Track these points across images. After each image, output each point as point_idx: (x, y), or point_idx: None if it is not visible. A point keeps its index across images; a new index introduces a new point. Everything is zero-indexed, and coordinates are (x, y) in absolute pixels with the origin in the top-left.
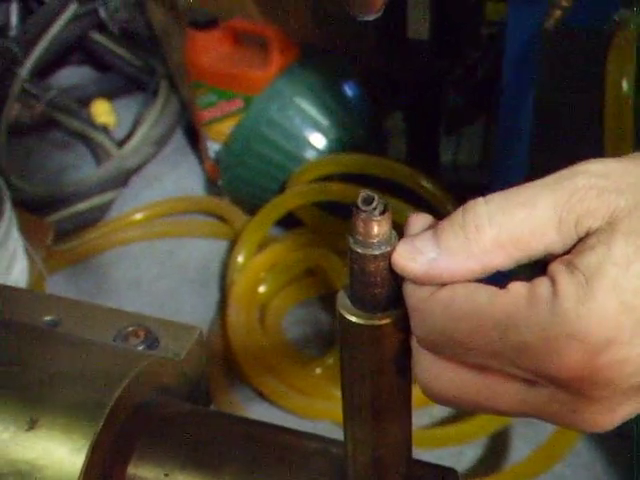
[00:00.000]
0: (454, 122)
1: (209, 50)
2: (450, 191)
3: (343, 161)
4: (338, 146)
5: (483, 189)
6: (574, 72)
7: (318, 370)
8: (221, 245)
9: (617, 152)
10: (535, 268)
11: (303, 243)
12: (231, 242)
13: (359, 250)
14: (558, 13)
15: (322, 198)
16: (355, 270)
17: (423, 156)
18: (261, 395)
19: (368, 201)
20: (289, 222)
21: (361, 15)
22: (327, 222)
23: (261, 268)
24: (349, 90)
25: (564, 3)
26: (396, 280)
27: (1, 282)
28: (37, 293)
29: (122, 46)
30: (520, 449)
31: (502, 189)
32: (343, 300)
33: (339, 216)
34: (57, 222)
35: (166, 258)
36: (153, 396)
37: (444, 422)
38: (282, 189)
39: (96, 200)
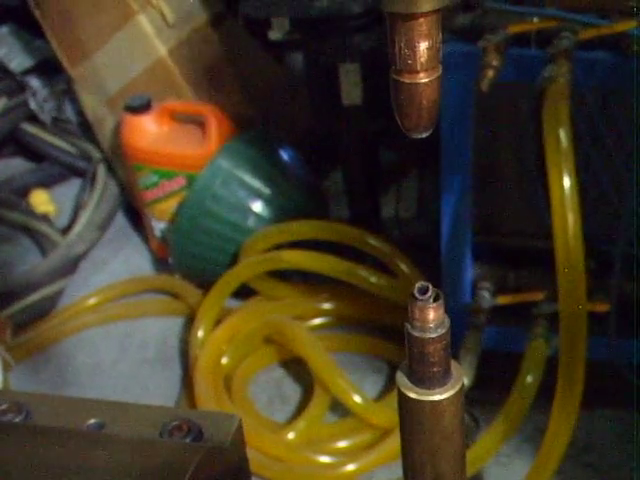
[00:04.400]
0: (390, 178)
1: (146, 133)
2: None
3: (291, 229)
4: (282, 213)
5: (424, 239)
6: (510, 126)
7: (291, 435)
8: (177, 322)
9: (561, 202)
10: None
11: (259, 312)
12: (187, 318)
13: (417, 335)
14: (491, 73)
15: (274, 267)
16: (414, 352)
17: (364, 214)
18: None
19: (423, 291)
20: (243, 292)
21: (415, 133)
22: (280, 289)
23: (222, 341)
24: (287, 157)
25: (495, 63)
26: (450, 357)
27: None
28: (71, 398)
29: (55, 135)
30: None
31: (451, 239)
32: (402, 379)
33: (291, 282)
34: (10, 316)
35: (124, 340)
36: None
37: None
38: (232, 260)
39: (47, 290)
